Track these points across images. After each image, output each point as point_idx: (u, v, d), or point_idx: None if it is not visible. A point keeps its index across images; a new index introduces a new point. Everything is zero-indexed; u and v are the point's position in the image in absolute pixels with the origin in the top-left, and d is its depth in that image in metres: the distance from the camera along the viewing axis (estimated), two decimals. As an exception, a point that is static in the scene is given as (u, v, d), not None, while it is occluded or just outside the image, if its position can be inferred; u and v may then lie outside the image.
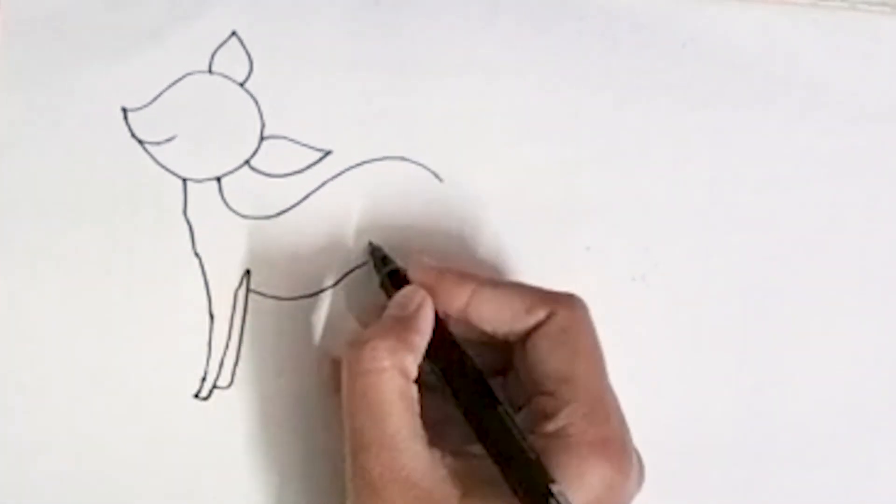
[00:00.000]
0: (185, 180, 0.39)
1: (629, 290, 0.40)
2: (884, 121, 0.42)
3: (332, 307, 0.39)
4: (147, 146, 0.39)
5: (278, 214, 0.39)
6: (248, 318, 0.39)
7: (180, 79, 0.39)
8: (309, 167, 0.39)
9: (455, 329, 0.35)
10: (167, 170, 0.39)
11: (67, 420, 0.38)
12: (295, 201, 0.39)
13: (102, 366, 0.38)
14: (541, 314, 0.34)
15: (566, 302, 0.35)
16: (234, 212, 0.39)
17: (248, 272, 0.39)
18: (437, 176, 0.40)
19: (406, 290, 0.35)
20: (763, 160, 0.41)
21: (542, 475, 0.31)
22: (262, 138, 0.39)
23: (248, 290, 0.39)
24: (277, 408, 0.38)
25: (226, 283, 0.39)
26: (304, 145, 0.39)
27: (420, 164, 0.40)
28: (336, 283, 0.39)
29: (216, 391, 0.38)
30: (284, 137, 0.39)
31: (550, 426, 0.33)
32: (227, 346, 0.39)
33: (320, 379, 0.38)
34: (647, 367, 0.40)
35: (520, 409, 0.35)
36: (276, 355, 0.39)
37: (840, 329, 0.41)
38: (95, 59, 0.39)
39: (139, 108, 0.39)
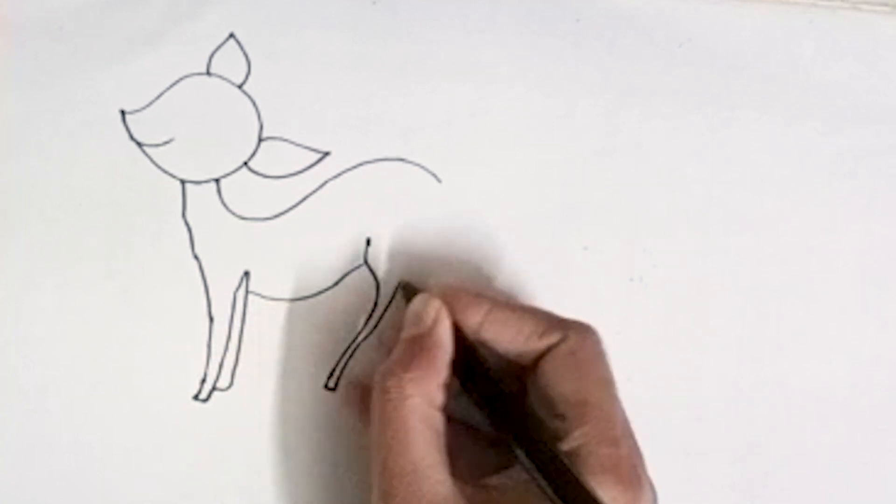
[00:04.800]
0: (183, 182, 0.39)
1: (627, 290, 0.40)
2: (883, 121, 0.41)
3: (331, 308, 0.39)
4: (145, 148, 0.39)
5: (277, 216, 0.39)
6: (248, 319, 0.39)
7: (178, 81, 0.39)
8: (307, 168, 0.39)
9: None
10: (166, 172, 0.39)
11: (67, 422, 0.38)
12: (294, 203, 0.39)
13: (102, 368, 0.38)
14: (553, 338, 0.34)
15: (578, 328, 0.35)
16: (233, 213, 0.39)
17: (247, 274, 0.39)
18: (435, 177, 0.40)
19: (418, 298, 0.35)
20: (761, 160, 0.41)
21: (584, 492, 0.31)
22: (260, 140, 0.39)
23: (247, 291, 0.39)
24: (277, 409, 0.39)
25: (225, 285, 0.39)
26: (303, 147, 0.39)
27: (418, 166, 0.40)
28: (335, 285, 0.39)
29: (216, 393, 0.39)
30: (283, 139, 0.39)
31: (563, 447, 0.33)
32: (226, 348, 0.39)
33: (346, 404, 0.38)
34: (645, 367, 0.40)
35: None
36: (276, 357, 0.39)
37: (838, 329, 0.41)
38: (93, 61, 0.39)
39: (137, 111, 0.39)
